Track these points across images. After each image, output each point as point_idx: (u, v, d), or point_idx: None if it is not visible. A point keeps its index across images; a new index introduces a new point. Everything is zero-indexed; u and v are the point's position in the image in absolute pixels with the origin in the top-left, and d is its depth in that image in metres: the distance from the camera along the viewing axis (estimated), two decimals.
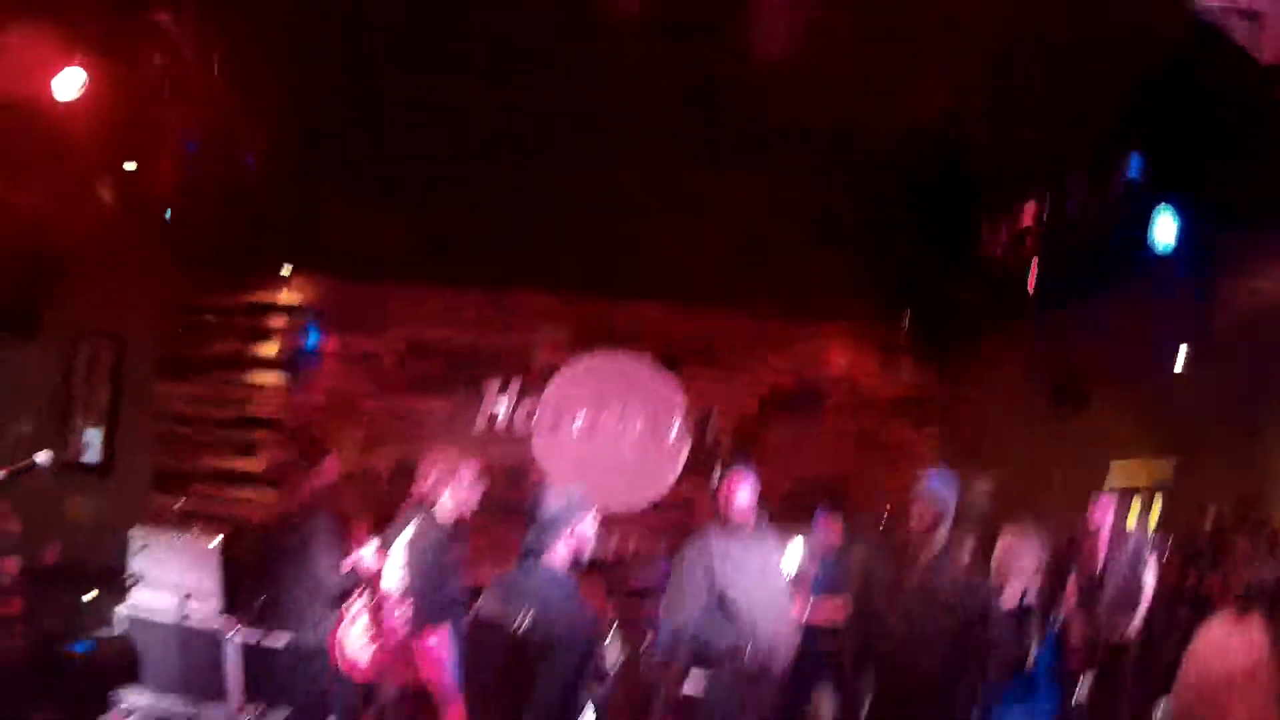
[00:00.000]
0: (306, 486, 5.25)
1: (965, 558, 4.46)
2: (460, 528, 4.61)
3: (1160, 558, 7.56)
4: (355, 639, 4.90)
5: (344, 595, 5.00)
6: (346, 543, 5.37)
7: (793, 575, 4.72)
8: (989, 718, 6.75)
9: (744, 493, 4.58)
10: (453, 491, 4.55)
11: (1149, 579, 6.40)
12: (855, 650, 4.65)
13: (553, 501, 3.62)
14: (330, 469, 5.36)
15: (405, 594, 4.26)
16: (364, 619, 4.95)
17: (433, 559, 4.21)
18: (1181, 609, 7.20)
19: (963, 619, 4.11)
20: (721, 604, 4.46)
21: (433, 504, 4.54)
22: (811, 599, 4.82)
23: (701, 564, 4.58)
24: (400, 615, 4.28)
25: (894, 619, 4.29)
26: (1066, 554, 6.97)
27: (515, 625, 3.40)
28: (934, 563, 4.32)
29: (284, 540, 5.26)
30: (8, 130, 5.30)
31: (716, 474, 4.76)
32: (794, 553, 4.87)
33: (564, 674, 3.40)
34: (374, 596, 5.06)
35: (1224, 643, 2.31)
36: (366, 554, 5.05)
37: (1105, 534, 6.47)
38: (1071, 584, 6.65)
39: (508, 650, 3.42)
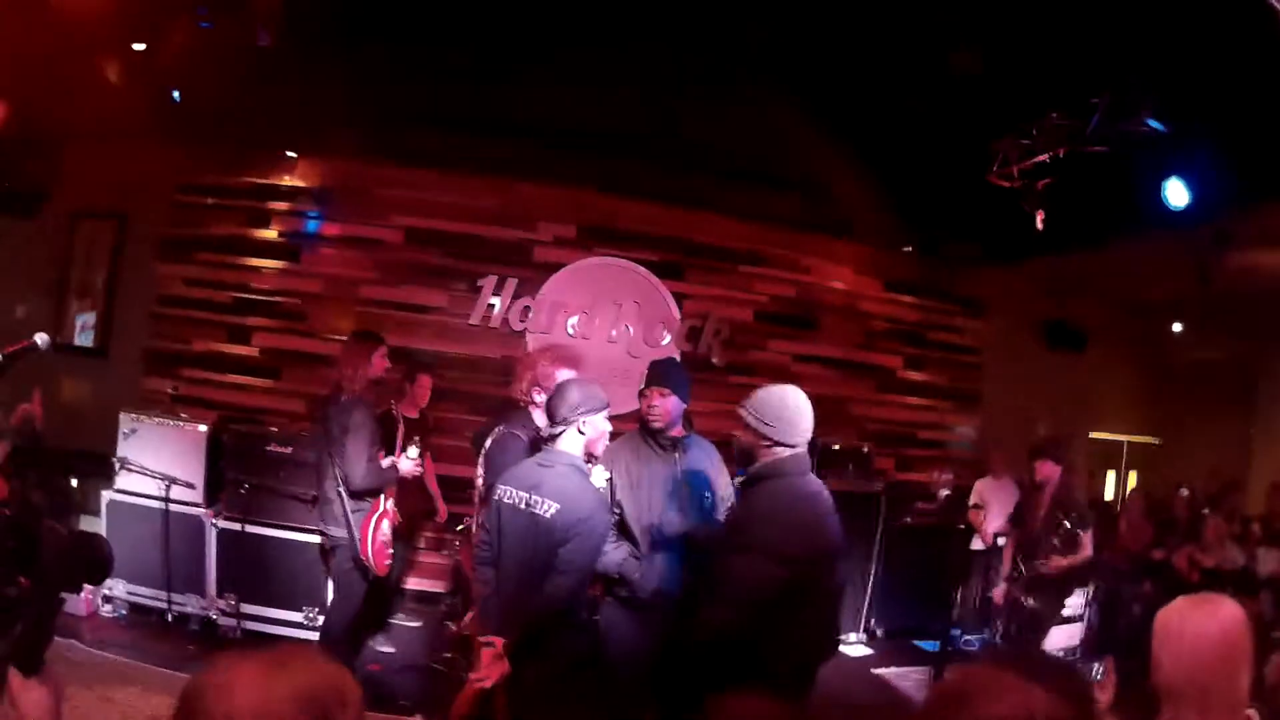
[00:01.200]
0: (352, 377, 5.16)
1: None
2: None
3: (1133, 524, 7.63)
4: (380, 536, 5.12)
5: (378, 490, 5.16)
6: (384, 437, 5.49)
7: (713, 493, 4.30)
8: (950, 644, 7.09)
9: (661, 406, 4.22)
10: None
11: (1085, 544, 6.28)
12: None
13: (571, 394, 3.77)
14: (379, 364, 5.26)
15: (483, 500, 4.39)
16: (387, 521, 5.20)
17: (502, 468, 4.11)
18: (1147, 580, 7.33)
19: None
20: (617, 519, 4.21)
21: (524, 406, 4.59)
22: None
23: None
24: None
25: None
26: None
27: (539, 510, 3.63)
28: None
29: (323, 428, 5.22)
30: (12, 9, 5.20)
31: (643, 382, 4.46)
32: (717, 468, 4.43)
33: (583, 556, 3.63)
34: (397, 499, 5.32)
35: (1203, 619, 2.36)
36: (406, 461, 5.34)
37: (1050, 490, 6.35)
38: (1011, 538, 6.66)
39: (532, 534, 3.64)
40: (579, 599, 3.82)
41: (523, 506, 3.68)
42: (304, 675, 1.45)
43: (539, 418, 4.39)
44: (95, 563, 5.56)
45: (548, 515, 3.60)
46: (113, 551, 5.57)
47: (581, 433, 3.77)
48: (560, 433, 3.77)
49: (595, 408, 3.79)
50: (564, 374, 4.36)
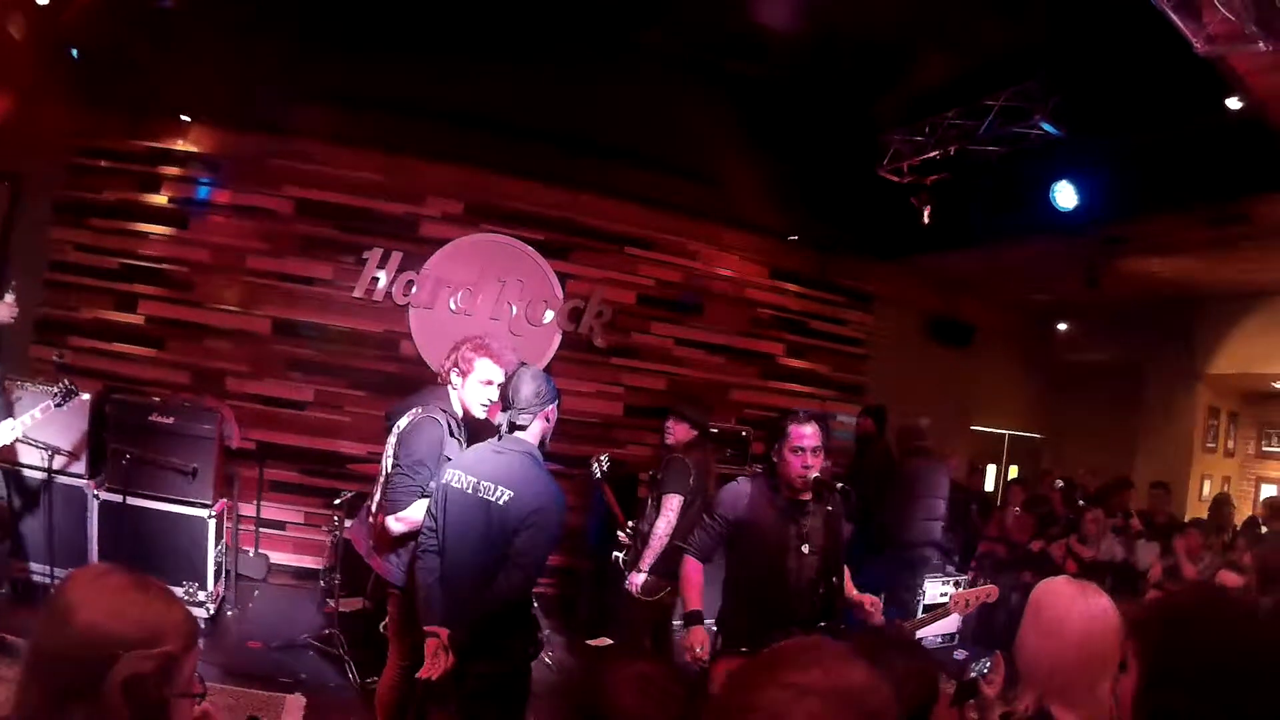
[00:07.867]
0: None
1: None
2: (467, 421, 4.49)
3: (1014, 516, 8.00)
4: None
5: None
6: None
7: None
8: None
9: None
10: (463, 382, 4.45)
11: None
12: None
13: (537, 383, 3.94)
14: None
15: (384, 481, 4.47)
16: None
17: (416, 454, 4.21)
18: (1025, 570, 7.71)
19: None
20: None
21: (445, 385, 4.57)
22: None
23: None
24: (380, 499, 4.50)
25: None
26: None
27: (491, 497, 3.74)
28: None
29: None
30: None
31: None
32: None
33: (539, 549, 3.71)
34: None
35: (1072, 606, 2.60)
36: None
37: None
38: None
39: (483, 522, 3.72)
40: (530, 593, 3.94)
41: (471, 492, 3.77)
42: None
43: (455, 400, 4.50)
44: None
45: (501, 503, 3.70)
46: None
47: (548, 420, 3.97)
48: (526, 423, 3.91)
49: (555, 398, 4.00)
50: (482, 362, 4.44)
